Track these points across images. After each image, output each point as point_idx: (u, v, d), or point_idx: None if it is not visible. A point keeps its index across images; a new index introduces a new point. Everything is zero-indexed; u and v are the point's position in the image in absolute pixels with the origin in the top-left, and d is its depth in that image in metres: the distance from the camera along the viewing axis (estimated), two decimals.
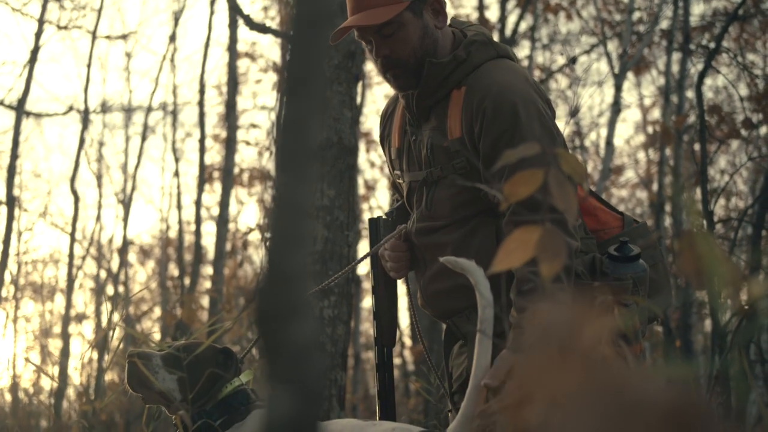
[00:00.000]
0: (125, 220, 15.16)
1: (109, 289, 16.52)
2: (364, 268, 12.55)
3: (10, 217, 10.12)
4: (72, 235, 12.07)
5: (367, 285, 13.35)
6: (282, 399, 0.69)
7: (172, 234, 17.32)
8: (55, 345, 16.23)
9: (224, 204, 8.08)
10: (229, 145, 8.19)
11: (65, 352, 10.12)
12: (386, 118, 2.82)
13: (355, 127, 4.65)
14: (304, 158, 0.71)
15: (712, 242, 1.08)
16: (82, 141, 12.04)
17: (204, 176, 9.83)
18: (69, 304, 11.45)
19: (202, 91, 9.61)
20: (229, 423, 2.46)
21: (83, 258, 14.53)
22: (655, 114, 15.49)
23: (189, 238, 15.03)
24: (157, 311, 16.47)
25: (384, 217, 2.80)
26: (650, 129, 15.38)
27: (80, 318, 17.00)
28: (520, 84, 2.47)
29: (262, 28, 5.09)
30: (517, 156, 1.45)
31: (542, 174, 1.47)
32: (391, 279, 2.74)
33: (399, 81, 2.56)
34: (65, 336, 10.39)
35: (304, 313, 0.70)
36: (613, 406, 0.60)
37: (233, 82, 8.37)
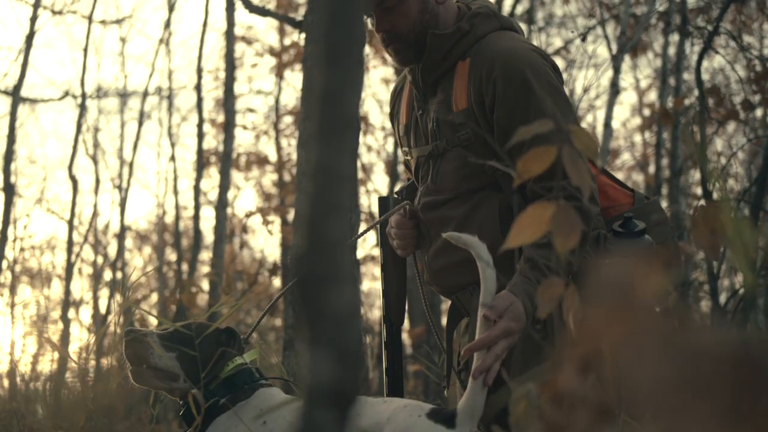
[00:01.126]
0: (122, 205, 15.16)
1: (107, 275, 16.53)
2: (361, 252, 12.56)
3: (8, 204, 10.10)
4: (71, 220, 12.07)
5: (363, 269, 13.37)
6: (323, 364, 0.70)
7: (169, 219, 17.34)
8: (52, 330, 16.25)
9: (224, 188, 8.08)
10: (228, 129, 8.18)
11: (65, 337, 10.12)
12: (395, 96, 2.84)
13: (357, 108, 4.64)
14: (343, 127, 0.72)
15: (735, 212, 1.09)
16: (79, 126, 12.01)
17: (202, 161, 9.82)
18: (68, 290, 11.46)
19: (199, 75, 9.59)
20: (233, 402, 2.46)
21: (82, 244, 14.52)
22: (651, 96, 15.50)
23: (185, 224, 15.04)
24: (154, 297, 16.47)
25: (394, 195, 2.81)
26: (646, 111, 15.40)
27: (77, 304, 17.02)
28: (526, 52, 2.48)
29: (261, 11, 5.08)
30: (531, 132, 1.45)
31: (555, 150, 1.48)
32: (399, 257, 2.74)
33: (400, 56, 2.57)
34: (65, 321, 10.40)
35: (344, 278, 0.71)
36: (682, 355, 0.61)
37: (231, 65, 8.34)
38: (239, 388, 2.48)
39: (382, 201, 2.79)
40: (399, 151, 2.89)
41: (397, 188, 2.89)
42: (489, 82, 2.45)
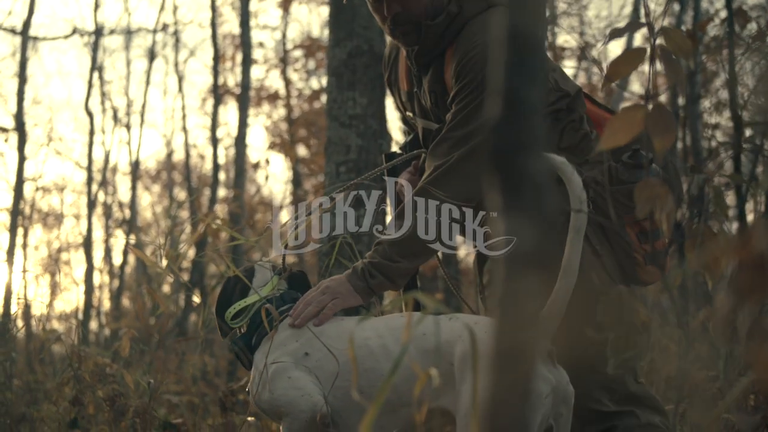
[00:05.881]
0: (130, 143, 15.14)
1: (116, 214, 16.56)
2: None
3: (22, 144, 10.08)
4: (89, 156, 12.06)
5: None
6: (523, 230, 0.71)
7: (177, 157, 17.32)
8: (65, 271, 16.34)
9: (242, 121, 8.05)
10: (245, 62, 8.12)
11: (89, 276, 10.18)
12: (390, 63, 2.87)
13: (384, 35, 4.61)
14: None
15: None
16: (94, 61, 11.91)
17: (219, 95, 9.76)
18: (90, 228, 11.50)
19: (213, 9, 9.47)
20: (260, 337, 2.46)
21: (100, 183, 14.54)
22: (665, 21, 15.29)
23: (194, 161, 15.01)
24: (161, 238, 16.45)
25: (399, 151, 2.88)
26: (659, 40, 15.21)
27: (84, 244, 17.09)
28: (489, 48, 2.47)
29: None
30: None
31: (645, 51, 1.47)
32: None
33: (408, 38, 2.59)
34: (89, 259, 10.46)
35: (539, 146, 0.71)
36: None
37: None
38: (258, 325, 2.47)
39: (389, 158, 2.86)
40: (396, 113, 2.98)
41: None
42: (455, 73, 2.49)
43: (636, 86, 15.47)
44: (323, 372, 2.32)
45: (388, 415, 2.25)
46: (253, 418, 2.90)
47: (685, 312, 1.38)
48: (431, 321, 2.27)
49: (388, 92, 3.08)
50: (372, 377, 2.26)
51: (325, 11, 14.39)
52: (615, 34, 1.48)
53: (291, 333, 2.40)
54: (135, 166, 14.69)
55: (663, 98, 13.37)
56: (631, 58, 1.48)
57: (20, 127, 10.27)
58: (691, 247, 1.46)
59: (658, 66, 1.69)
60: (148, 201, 19.70)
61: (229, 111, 19.37)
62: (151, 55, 14.22)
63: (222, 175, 13.59)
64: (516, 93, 0.70)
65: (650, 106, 1.45)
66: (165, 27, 14.79)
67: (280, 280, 2.56)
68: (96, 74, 13.48)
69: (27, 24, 10.32)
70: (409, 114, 2.78)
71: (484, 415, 0.70)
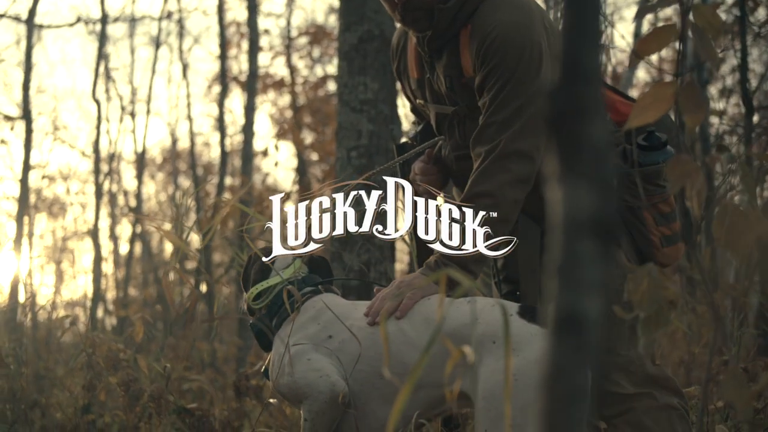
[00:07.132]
0: (135, 132, 15.12)
1: (120, 202, 16.55)
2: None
3: (29, 132, 10.07)
4: (96, 144, 12.06)
5: None
6: (582, 195, 0.70)
7: (181, 146, 17.31)
8: (71, 259, 16.35)
9: (250, 107, 8.04)
10: (252, 48, 8.11)
11: (97, 264, 10.20)
12: (398, 52, 2.86)
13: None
14: None
15: None
16: (101, 49, 11.90)
17: (226, 82, 9.75)
18: (97, 217, 11.52)
19: None
20: (280, 322, 2.47)
21: (106, 173, 14.55)
22: (668, 11, 15.27)
23: (199, 150, 14.99)
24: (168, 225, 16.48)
25: (409, 142, 2.89)
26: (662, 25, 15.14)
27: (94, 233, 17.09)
28: (522, 22, 2.47)
29: None
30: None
31: (675, 29, 1.46)
32: None
33: (419, 24, 2.57)
34: (96, 248, 10.47)
35: (599, 110, 0.71)
36: None
37: None
38: (279, 307, 2.48)
39: (400, 148, 2.87)
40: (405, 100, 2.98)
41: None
42: (479, 55, 2.48)
43: (642, 72, 15.43)
44: (345, 354, 2.33)
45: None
46: (275, 400, 2.91)
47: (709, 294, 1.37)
48: (451, 304, 2.27)
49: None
50: (390, 363, 2.26)
51: None
52: (645, 11, 1.46)
53: (311, 316, 2.43)
54: (141, 154, 14.67)
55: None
56: (661, 34, 1.46)
57: (26, 116, 10.26)
58: (718, 226, 1.45)
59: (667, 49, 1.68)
60: (153, 189, 19.72)
61: (234, 99, 19.32)
62: (156, 43, 14.20)
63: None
64: (576, 57, 0.70)
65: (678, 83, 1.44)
66: (170, 15, 14.77)
67: (301, 264, 2.57)
68: (103, 62, 13.48)
69: (32, 12, 10.30)
70: (420, 102, 2.78)
71: (545, 382, 0.69)
